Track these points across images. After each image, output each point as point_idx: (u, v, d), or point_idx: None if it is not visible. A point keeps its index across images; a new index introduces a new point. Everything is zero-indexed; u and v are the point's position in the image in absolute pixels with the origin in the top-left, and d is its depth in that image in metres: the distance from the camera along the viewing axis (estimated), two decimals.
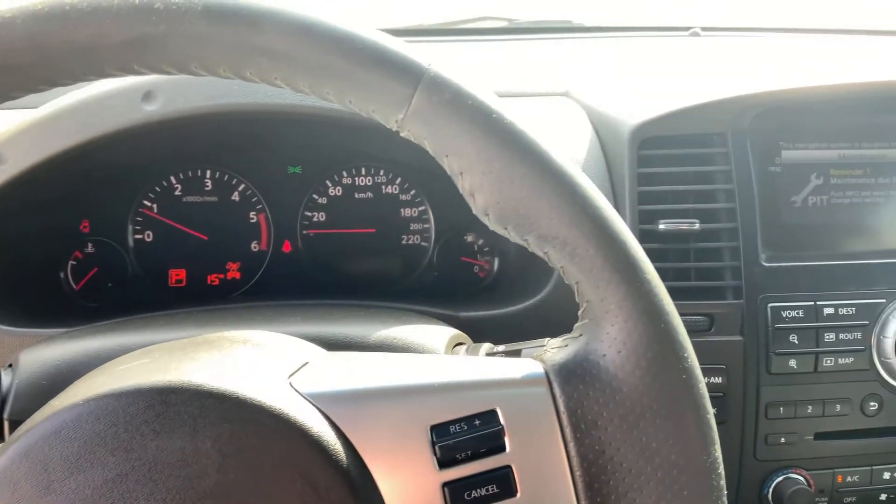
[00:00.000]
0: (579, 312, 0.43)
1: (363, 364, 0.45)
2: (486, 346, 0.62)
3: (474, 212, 0.42)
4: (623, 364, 0.41)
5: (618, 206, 0.77)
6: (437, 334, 0.61)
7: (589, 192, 0.41)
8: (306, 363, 0.45)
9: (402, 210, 0.91)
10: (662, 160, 0.76)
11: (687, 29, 1.20)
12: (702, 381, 0.41)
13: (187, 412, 0.38)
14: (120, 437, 0.37)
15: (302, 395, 0.40)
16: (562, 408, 0.41)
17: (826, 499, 0.77)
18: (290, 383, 0.41)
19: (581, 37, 1.21)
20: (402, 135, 0.42)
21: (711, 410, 0.41)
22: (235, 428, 0.38)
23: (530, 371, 0.42)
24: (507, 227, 0.42)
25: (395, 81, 0.39)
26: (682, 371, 0.40)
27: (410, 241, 0.91)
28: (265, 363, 0.42)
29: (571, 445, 0.41)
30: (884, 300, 0.75)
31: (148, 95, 0.69)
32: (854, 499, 0.78)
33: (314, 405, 0.40)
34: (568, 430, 0.41)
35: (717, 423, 0.74)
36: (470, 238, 0.92)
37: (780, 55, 1.12)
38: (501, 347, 0.61)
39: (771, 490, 0.76)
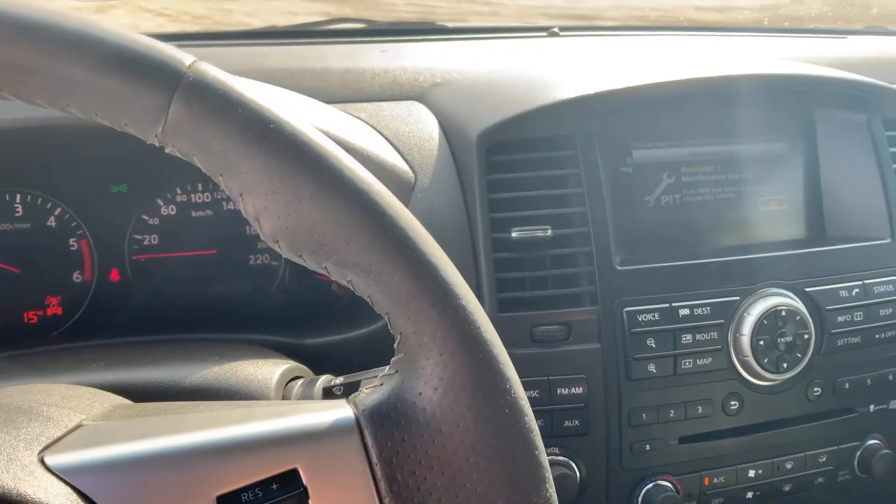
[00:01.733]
0: (395, 346, 0.38)
1: (146, 423, 0.39)
2: (324, 379, 0.57)
3: (263, 239, 0.37)
4: (441, 402, 0.36)
5: (469, 215, 0.73)
6: (265, 372, 0.55)
7: (391, 209, 0.36)
8: (78, 426, 0.38)
9: (247, 227, 0.84)
10: (512, 165, 0.73)
11: (546, 29, 1.19)
12: (528, 414, 0.37)
13: None
14: None
15: (53, 471, 0.33)
16: (374, 458, 0.36)
17: (695, 502, 0.76)
18: (42, 457, 0.34)
19: (441, 39, 1.18)
20: (167, 151, 0.35)
21: (542, 446, 0.37)
22: None
23: (338, 418, 0.36)
24: (302, 255, 0.36)
25: (146, 89, 0.33)
26: (505, 405, 0.36)
27: (258, 261, 0.84)
28: (12, 434, 0.35)
29: (387, 501, 0.36)
30: (738, 297, 0.74)
31: None
32: (722, 500, 0.77)
33: (67, 483, 0.33)
34: (383, 484, 0.36)
35: (580, 435, 0.72)
36: None
37: (637, 55, 1.12)
38: (340, 379, 0.56)
39: (640, 499, 0.74)
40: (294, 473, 0.35)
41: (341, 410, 0.37)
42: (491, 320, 0.72)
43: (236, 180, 0.35)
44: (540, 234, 0.71)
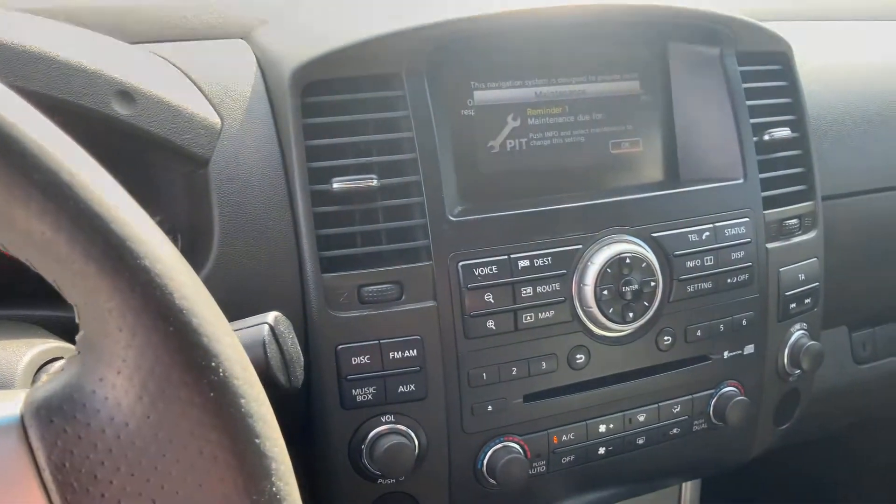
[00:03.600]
0: (76, 320, 0.31)
1: None
2: None
3: None
4: (126, 389, 0.29)
5: (286, 165, 0.66)
6: (10, 355, 0.47)
7: (37, 144, 0.28)
8: None
9: None
10: (332, 108, 0.65)
11: None
12: (247, 396, 0.31)
13: None
14: None
15: None
16: (43, 463, 0.29)
17: (543, 462, 0.73)
18: None
19: None
20: None
21: (269, 433, 0.31)
22: None
23: None
24: None
25: None
26: (208, 388, 0.29)
27: None
28: None
29: None
30: (580, 246, 0.70)
31: None
32: (573, 457, 0.74)
33: None
34: (55, 495, 0.29)
35: (417, 400, 0.67)
36: None
37: None
38: None
39: (485, 463, 0.70)
40: None
41: (5, 405, 0.30)
42: (313, 282, 0.66)
43: None
44: (365, 184, 0.65)
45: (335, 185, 0.64)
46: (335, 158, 0.65)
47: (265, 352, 0.42)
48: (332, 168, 0.65)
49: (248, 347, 0.42)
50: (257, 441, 0.31)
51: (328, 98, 0.65)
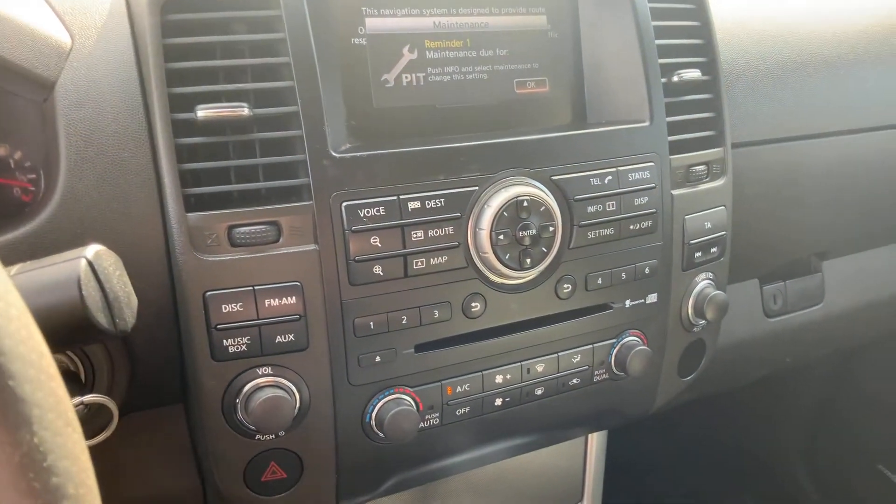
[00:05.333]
0: None
1: None
2: None
3: None
4: None
5: (145, 92, 0.59)
6: None
7: None
8: None
9: None
10: (197, 26, 0.59)
11: None
12: None
13: None
14: None
15: None
16: None
17: (437, 414, 0.69)
18: None
19: None
20: None
21: (26, 372, 0.26)
22: None
23: None
24: None
25: None
26: None
27: None
28: None
29: None
30: (476, 188, 0.66)
31: None
32: (467, 409, 0.70)
33: None
34: None
35: (297, 351, 0.62)
36: (2, 151, 0.68)
37: None
38: None
39: (373, 416, 0.66)
40: None
41: None
42: (176, 222, 0.60)
43: None
44: (235, 112, 0.58)
45: (199, 114, 0.58)
46: (200, 84, 0.59)
47: (80, 290, 0.36)
48: (197, 94, 0.58)
49: (60, 285, 0.37)
50: (10, 383, 0.25)
51: (192, 16, 0.58)
